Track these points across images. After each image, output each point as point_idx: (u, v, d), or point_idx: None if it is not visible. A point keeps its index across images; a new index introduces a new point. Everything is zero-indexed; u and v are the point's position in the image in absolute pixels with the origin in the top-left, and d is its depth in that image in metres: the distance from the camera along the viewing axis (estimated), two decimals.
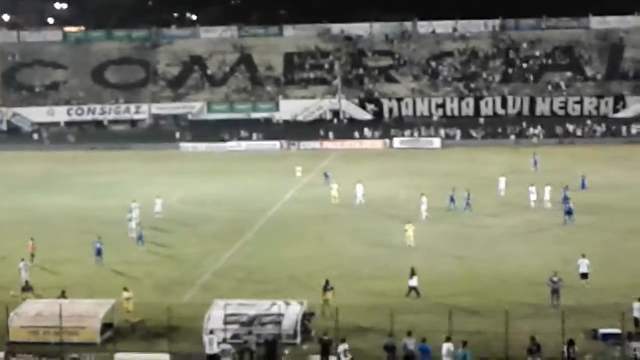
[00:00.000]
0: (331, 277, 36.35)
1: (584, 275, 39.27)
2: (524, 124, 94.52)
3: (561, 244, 43.69)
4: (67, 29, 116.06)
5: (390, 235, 48.20)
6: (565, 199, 54.19)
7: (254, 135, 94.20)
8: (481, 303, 33.19)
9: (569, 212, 52.94)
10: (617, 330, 31.21)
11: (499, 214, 54.84)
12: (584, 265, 39.92)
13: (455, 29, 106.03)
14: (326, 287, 34.50)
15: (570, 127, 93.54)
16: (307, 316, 33.23)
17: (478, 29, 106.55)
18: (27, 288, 37.77)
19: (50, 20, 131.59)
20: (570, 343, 28.05)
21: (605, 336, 31.08)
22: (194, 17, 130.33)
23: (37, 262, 43.04)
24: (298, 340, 31.34)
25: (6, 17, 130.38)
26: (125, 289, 35.27)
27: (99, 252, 44.52)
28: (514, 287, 36.91)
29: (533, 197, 56.85)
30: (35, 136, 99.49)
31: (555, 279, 35.14)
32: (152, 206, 55.22)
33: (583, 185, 62.02)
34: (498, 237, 47.93)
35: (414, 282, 36.90)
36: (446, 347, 27.94)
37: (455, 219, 53.26)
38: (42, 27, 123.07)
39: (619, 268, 40.65)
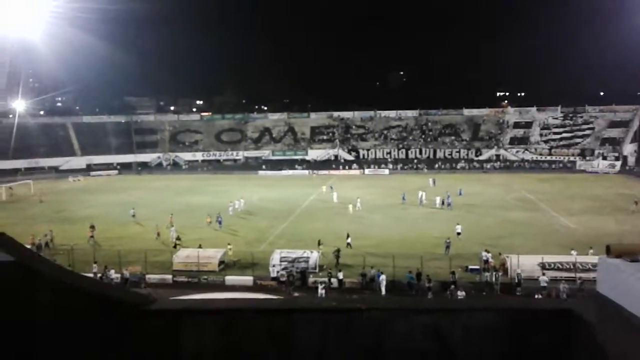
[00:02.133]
0: (332, 240, 40.21)
1: (459, 234, 42.67)
2: (429, 163, 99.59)
3: (448, 222, 46.63)
4: (203, 113, 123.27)
5: (362, 217, 51.78)
6: (448, 198, 57.62)
7: (296, 167, 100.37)
8: (408, 253, 34.88)
9: (449, 204, 56.37)
10: (477, 267, 34.42)
11: (417, 208, 56.68)
12: (459, 228, 43.49)
13: (396, 114, 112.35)
14: (338, 252, 36.72)
15: (454, 164, 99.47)
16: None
17: (408, 115, 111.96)
18: (177, 243, 41.55)
19: (194, 109, 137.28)
20: (453, 273, 32.11)
21: (472, 270, 34.48)
22: (265, 108, 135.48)
23: (182, 229, 45.66)
24: (317, 270, 35.05)
25: (172, 108, 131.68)
26: (229, 244, 39.10)
27: (220, 222, 48.22)
28: (426, 245, 39.42)
29: (436, 200, 58.10)
30: (185, 167, 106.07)
31: (448, 240, 38.79)
32: (247, 202, 59.00)
33: (460, 193, 63.91)
34: (418, 219, 51.22)
35: (349, 240, 39.94)
36: (409, 275, 31.82)
37: (397, 209, 56.29)
38: (190, 112, 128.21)
39: (478, 232, 43.95)
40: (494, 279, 32.08)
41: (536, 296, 28.76)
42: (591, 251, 34.66)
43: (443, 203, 57.32)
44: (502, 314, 3.37)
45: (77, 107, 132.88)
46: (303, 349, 3.28)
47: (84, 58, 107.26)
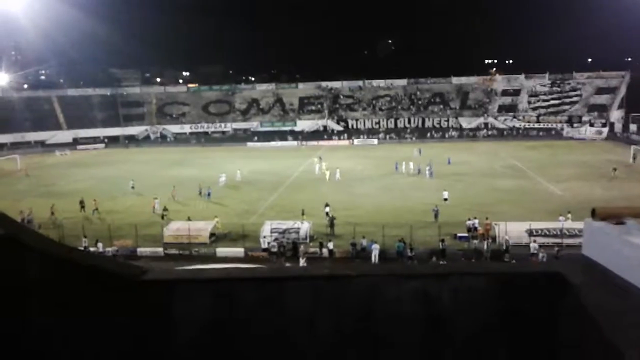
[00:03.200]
0: (320, 210, 40.58)
1: (445, 200, 43.58)
2: (419, 133, 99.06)
3: (437, 190, 46.70)
4: (189, 85, 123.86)
5: (351, 188, 52.10)
6: (430, 168, 57.90)
7: (285, 138, 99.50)
8: (398, 222, 35.46)
9: (431, 174, 56.61)
10: (466, 234, 35.02)
11: (406, 177, 57.31)
12: (445, 194, 44.46)
13: (385, 84, 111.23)
14: (333, 219, 37.40)
15: (443, 133, 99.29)
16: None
17: (397, 84, 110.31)
18: (164, 214, 41.54)
19: (180, 81, 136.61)
20: (442, 240, 32.69)
21: (460, 237, 35.02)
22: (252, 79, 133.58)
23: (170, 202, 46.05)
24: (307, 241, 35.28)
25: (158, 80, 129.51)
26: (216, 216, 39.13)
27: (209, 195, 48.58)
28: (415, 213, 39.81)
29: (417, 168, 59.31)
30: (173, 140, 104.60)
31: (435, 208, 39.31)
32: (234, 174, 58.38)
33: (449, 162, 64.46)
34: (406, 188, 51.31)
35: (327, 209, 40.35)
36: (400, 244, 32.11)
37: (386, 179, 56.42)
38: (177, 84, 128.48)
39: (467, 200, 44.41)
40: (485, 246, 32.38)
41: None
42: (569, 216, 35.10)
43: (420, 172, 58.22)
44: (490, 277, 3.45)
45: (62, 80, 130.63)
46: (294, 316, 3.34)
47: (68, 31, 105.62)
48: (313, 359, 3.31)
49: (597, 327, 2.63)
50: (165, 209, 42.45)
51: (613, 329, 2.52)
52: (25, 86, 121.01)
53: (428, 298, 3.24)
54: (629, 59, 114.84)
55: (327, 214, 39.65)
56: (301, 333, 3.30)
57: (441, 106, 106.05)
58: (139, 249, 34.46)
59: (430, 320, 3.24)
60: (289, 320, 3.28)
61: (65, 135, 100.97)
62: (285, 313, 3.29)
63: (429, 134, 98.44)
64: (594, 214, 2.76)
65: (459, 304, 3.23)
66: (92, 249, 32.17)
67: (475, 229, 35.66)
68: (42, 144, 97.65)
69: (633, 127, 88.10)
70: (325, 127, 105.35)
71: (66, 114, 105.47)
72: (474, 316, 3.25)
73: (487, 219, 35.99)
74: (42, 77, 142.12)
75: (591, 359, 2.75)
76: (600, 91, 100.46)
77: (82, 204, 44.60)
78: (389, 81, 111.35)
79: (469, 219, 36.28)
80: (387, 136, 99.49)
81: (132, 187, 53.11)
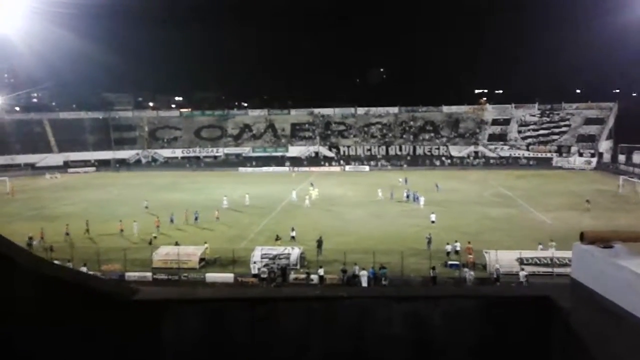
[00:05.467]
0: (312, 237, 39.87)
1: (433, 222, 44.64)
2: (410, 160, 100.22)
3: (426, 217, 46.82)
4: (182, 110, 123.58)
5: (343, 214, 52.14)
6: (415, 194, 58.39)
7: (275, 164, 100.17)
8: (389, 248, 35.48)
9: (417, 199, 56.79)
10: (456, 262, 34.75)
11: (395, 204, 57.53)
12: (433, 217, 45.66)
13: (376, 111, 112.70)
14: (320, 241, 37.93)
15: (434, 161, 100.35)
16: (303, 254, 36.53)
17: (388, 112, 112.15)
18: (152, 239, 41.40)
19: (173, 105, 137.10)
20: (433, 268, 32.52)
21: (451, 265, 34.79)
22: (245, 104, 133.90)
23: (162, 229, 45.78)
24: (298, 267, 35.20)
25: (151, 104, 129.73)
26: (205, 242, 38.85)
27: (196, 219, 48.76)
28: (406, 240, 39.99)
29: (404, 193, 60.52)
30: (164, 164, 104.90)
31: (429, 235, 39.08)
32: (230, 198, 58.30)
33: (437, 188, 64.92)
34: (397, 215, 51.37)
35: (293, 233, 41.06)
36: (370, 270, 32.00)
37: (377, 205, 56.42)
38: (169, 109, 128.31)
39: (457, 228, 44.12)
40: (467, 275, 32.11)
41: None
42: (553, 244, 35.40)
43: (409, 197, 58.71)
44: (480, 301, 3.49)
45: (54, 103, 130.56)
46: (286, 337, 3.35)
47: (61, 54, 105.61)
48: None
49: (586, 350, 2.67)
50: (154, 237, 42.08)
51: (602, 351, 2.55)
52: (17, 108, 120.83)
53: (419, 320, 3.27)
54: (617, 90, 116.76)
55: (292, 237, 40.65)
56: (293, 354, 3.30)
57: (432, 134, 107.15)
58: (127, 274, 33.98)
59: (421, 342, 3.27)
60: (281, 341, 3.29)
61: (56, 158, 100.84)
62: (277, 334, 3.30)
63: (420, 162, 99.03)
64: (582, 237, 2.80)
65: (449, 326, 3.26)
66: None
67: (456, 252, 36.10)
68: (32, 166, 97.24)
69: (621, 157, 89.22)
70: (317, 153, 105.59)
71: (57, 137, 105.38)
72: (464, 339, 3.27)
73: (469, 242, 36.25)
74: (34, 100, 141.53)
75: None
76: (589, 122, 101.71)
77: (87, 227, 44.51)
78: (380, 109, 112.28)
79: (448, 243, 36.75)
80: (379, 163, 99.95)
81: (146, 207, 54.09)
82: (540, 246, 35.75)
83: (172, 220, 48.22)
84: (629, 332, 2.30)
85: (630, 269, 2.35)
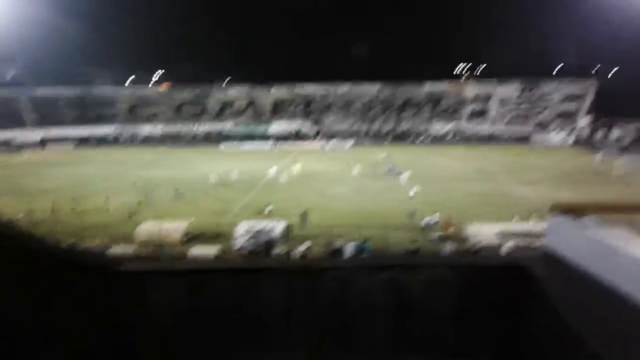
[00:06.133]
0: (295, 211, 39.57)
1: (411, 197, 45.40)
2: (392, 136, 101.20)
3: (407, 193, 47.49)
4: (162, 85, 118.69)
5: (325, 190, 52.01)
6: (394, 169, 59.14)
7: (257, 140, 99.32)
8: (371, 223, 35.79)
9: (399, 173, 57.21)
10: (439, 235, 34.23)
11: (377, 180, 56.74)
12: (412, 192, 46.73)
13: (359, 88, 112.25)
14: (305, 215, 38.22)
15: (415, 137, 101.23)
16: (287, 229, 35.93)
17: (369, 88, 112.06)
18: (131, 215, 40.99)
19: (153, 81, 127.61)
20: (415, 242, 32.05)
21: (433, 239, 34.17)
22: (227, 81, 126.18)
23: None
24: (282, 241, 34.46)
25: (131, 80, 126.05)
26: (192, 218, 38.57)
27: (180, 195, 48.50)
28: (389, 215, 39.85)
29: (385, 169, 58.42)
30: (144, 140, 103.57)
31: (411, 209, 39.54)
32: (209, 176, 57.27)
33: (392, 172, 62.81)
34: (377, 191, 51.08)
35: (270, 208, 41.60)
36: (354, 244, 31.01)
37: (357, 181, 55.67)
38: (149, 85, 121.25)
39: (438, 204, 43.57)
40: (444, 248, 32.22)
41: None
42: (532, 216, 35.89)
43: (394, 174, 58.53)
44: (458, 270, 3.56)
45: (30, 79, 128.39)
46: (268, 307, 3.38)
47: (37, 29, 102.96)
48: (287, 347, 3.37)
49: (559, 316, 2.75)
50: (132, 210, 42.02)
51: (574, 317, 2.64)
52: None
53: (398, 288, 3.33)
54: (598, 66, 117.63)
55: (269, 212, 40.90)
56: (276, 324, 3.35)
57: (414, 111, 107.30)
58: (109, 249, 33.30)
59: (401, 309, 3.33)
60: (264, 311, 3.33)
61: (33, 135, 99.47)
62: (260, 304, 3.33)
63: (402, 138, 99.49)
64: (555, 209, 2.86)
65: (428, 294, 3.33)
66: None
67: (435, 223, 36.22)
68: (8, 143, 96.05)
69: (600, 133, 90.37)
70: (298, 130, 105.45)
71: (34, 113, 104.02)
72: (442, 306, 3.35)
73: (448, 216, 36.71)
74: (10, 76, 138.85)
75: (553, 345, 2.89)
76: (568, 98, 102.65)
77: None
78: (362, 85, 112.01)
79: (428, 217, 36.78)
80: (360, 139, 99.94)
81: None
82: (517, 218, 36.00)
83: (178, 196, 48.15)
84: (599, 298, 2.37)
85: (600, 238, 2.41)
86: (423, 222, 36.95)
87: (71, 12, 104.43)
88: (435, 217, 37.07)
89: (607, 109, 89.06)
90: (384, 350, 3.30)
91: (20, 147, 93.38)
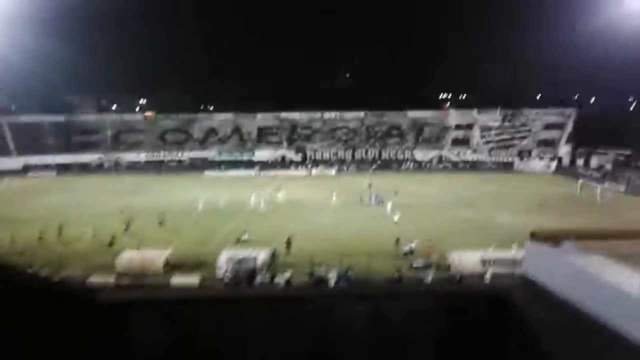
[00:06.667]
0: (280, 240, 39.43)
1: (396, 223, 46.19)
2: (376, 164, 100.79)
3: (391, 220, 47.96)
4: (146, 113, 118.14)
5: (309, 218, 52.04)
6: (380, 198, 59.43)
7: (241, 167, 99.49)
8: (355, 251, 35.78)
9: (381, 201, 57.98)
10: (421, 264, 34.69)
11: (361, 208, 57.47)
12: (396, 218, 47.63)
13: (342, 115, 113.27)
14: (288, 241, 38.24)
15: (398, 165, 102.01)
16: (271, 257, 36.07)
17: (353, 116, 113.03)
18: (111, 242, 40.89)
19: (137, 109, 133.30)
20: (398, 270, 32.72)
21: (417, 267, 34.44)
22: (211, 108, 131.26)
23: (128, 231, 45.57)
24: (263, 271, 34.26)
25: (114, 107, 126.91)
26: (170, 246, 38.26)
27: (160, 223, 48.25)
28: (373, 243, 40.14)
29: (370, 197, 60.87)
30: (127, 168, 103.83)
31: (397, 236, 39.83)
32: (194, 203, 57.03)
33: (395, 194, 64.09)
34: (361, 219, 51.14)
35: (246, 236, 41.75)
36: (338, 270, 31.91)
37: (342, 209, 55.99)
38: (132, 112, 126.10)
39: (421, 231, 43.73)
40: (425, 275, 32.41)
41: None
42: (514, 245, 35.71)
43: (375, 201, 59.03)
44: (439, 298, 3.59)
45: (13, 106, 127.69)
46: (250, 336, 3.37)
47: (21, 55, 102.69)
48: None
49: (539, 342, 2.78)
50: (113, 238, 41.45)
51: (553, 343, 2.67)
52: None
53: (380, 318, 3.34)
54: (577, 95, 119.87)
55: (244, 240, 41.08)
56: (257, 353, 3.33)
57: (398, 139, 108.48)
58: (89, 279, 32.74)
59: (382, 338, 3.33)
60: (245, 340, 3.31)
61: (15, 162, 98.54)
62: (241, 333, 3.32)
63: (386, 166, 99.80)
64: (533, 235, 2.91)
65: (409, 323, 3.34)
66: None
67: (411, 252, 36.63)
68: None
69: (579, 161, 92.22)
70: (283, 157, 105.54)
71: (17, 141, 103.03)
72: (423, 335, 3.36)
73: (429, 240, 37.11)
74: None
75: None
76: (548, 126, 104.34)
77: (60, 232, 43.99)
78: (347, 113, 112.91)
79: (406, 244, 37.36)
80: (345, 167, 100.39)
81: (122, 212, 52.69)
82: (493, 246, 36.01)
83: (160, 223, 47.87)
84: (578, 324, 2.40)
85: (577, 265, 2.46)
86: (404, 249, 37.20)
87: (55, 39, 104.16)
88: (414, 244, 37.26)
89: (585, 138, 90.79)
90: None
91: (2, 174, 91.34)
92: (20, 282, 2.87)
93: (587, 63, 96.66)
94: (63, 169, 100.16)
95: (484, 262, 33.85)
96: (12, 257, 35.49)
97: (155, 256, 36.28)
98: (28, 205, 62.43)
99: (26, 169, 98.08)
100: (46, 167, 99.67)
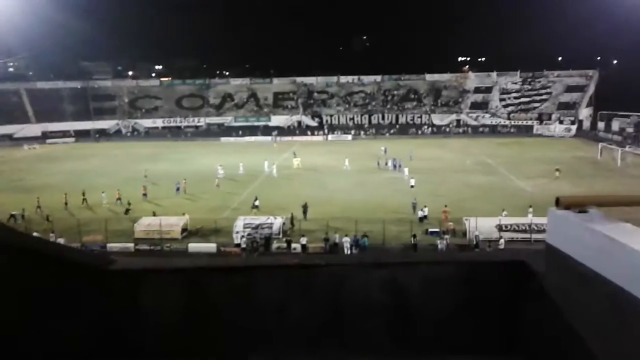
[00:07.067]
0: (294, 206, 39.62)
1: (412, 186, 46.28)
2: (393, 129, 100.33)
3: (403, 184, 48.29)
4: (162, 79, 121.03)
5: (325, 183, 52.01)
6: (394, 161, 59.72)
7: (258, 133, 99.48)
8: (371, 217, 35.06)
9: (399, 166, 57.72)
10: (437, 229, 34.62)
11: (377, 173, 57.63)
12: (412, 182, 47.37)
13: (359, 80, 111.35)
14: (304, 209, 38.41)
15: (416, 129, 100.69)
16: (285, 223, 36.61)
17: (370, 80, 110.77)
18: (128, 209, 41.79)
19: (153, 74, 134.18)
20: (414, 236, 32.67)
21: (432, 233, 34.73)
22: (227, 73, 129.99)
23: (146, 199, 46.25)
24: (280, 236, 35.28)
25: (131, 73, 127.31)
26: (184, 214, 38.55)
27: (177, 189, 48.44)
28: (388, 209, 39.91)
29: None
30: (145, 134, 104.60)
31: (414, 200, 39.89)
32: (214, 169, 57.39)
33: (410, 158, 63.34)
34: (379, 184, 51.22)
35: (256, 202, 41.70)
36: (352, 237, 32.05)
37: (358, 174, 56.14)
38: (149, 78, 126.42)
39: (438, 196, 43.56)
40: (441, 242, 32.39)
41: None
42: (530, 209, 35.82)
43: (393, 166, 59.07)
44: (457, 266, 3.53)
45: (31, 73, 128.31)
46: (264, 304, 3.36)
47: (38, 22, 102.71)
48: (284, 345, 3.35)
49: (560, 313, 2.71)
50: (129, 204, 42.12)
51: (575, 314, 2.60)
52: None
53: (396, 286, 3.30)
54: (599, 58, 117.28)
55: (255, 206, 41.21)
56: (271, 322, 3.32)
57: (415, 103, 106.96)
58: (108, 245, 33.77)
59: (399, 308, 3.30)
60: (259, 309, 3.30)
61: (34, 129, 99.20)
62: (255, 302, 3.31)
63: (403, 130, 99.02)
64: (557, 203, 2.81)
65: (427, 292, 3.30)
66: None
67: (425, 217, 36.86)
68: (9, 137, 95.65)
69: (601, 124, 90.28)
70: (299, 122, 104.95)
71: (35, 107, 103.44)
72: (441, 303, 3.32)
73: (445, 206, 37.02)
74: (11, 70, 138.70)
75: (553, 342, 2.85)
76: (569, 89, 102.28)
77: (84, 197, 44.90)
78: (363, 77, 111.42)
79: (421, 209, 37.67)
80: (362, 132, 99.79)
81: (145, 177, 54.45)
82: (504, 213, 35.83)
83: (177, 189, 48.32)
84: (601, 295, 2.34)
85: (604, 233, 2.37)
86: (419, 214, 37.18)
87: (71, 6, 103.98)
88: (426, 211, 37.18)
89: (607, 101, 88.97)
90: (382, 347, 3.24)
91: (22, 140, 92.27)
92: (26, 249, 2.83)
93: (610, 24, 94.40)
94: (81, 135, 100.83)
95: (500, 228, 33.70)
96: (38, 224, 36.19)
97: (174, 222, 36.75)
98: (48, 171, 63.12)
99: (45, 135, 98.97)
100: (64, 133, 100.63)
